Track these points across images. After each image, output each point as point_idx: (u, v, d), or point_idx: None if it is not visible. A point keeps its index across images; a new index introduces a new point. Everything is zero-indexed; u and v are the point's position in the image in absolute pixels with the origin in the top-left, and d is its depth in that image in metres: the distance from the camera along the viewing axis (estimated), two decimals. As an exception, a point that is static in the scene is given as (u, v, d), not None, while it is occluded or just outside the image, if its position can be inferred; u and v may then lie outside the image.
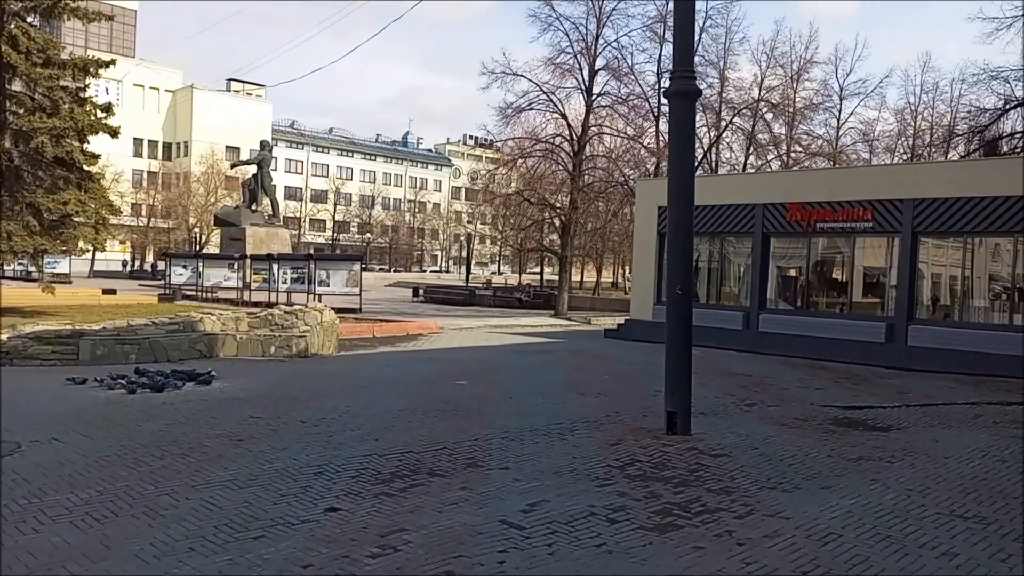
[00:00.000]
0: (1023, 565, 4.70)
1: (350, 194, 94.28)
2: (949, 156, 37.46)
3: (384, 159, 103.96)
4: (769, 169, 37.61)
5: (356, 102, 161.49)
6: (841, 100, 43.90)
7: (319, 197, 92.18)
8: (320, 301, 21.22)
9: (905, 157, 43.76)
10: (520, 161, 33.85)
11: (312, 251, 49.43)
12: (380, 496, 5.74)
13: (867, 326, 16.56)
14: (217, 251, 39.85)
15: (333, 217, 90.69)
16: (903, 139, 45.81)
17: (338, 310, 18.40)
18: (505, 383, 11.94)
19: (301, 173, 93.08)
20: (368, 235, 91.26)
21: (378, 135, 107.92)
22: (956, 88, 42.71)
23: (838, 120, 43.85)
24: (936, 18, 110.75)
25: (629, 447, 7.52)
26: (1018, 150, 30.92)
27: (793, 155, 40.46)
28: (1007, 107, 32.04)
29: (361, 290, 26.56)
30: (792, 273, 19.08)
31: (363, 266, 30.74)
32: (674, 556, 4.68)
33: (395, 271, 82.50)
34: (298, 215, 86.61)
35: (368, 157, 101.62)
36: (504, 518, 5.28)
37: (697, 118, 36.13)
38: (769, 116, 39.89)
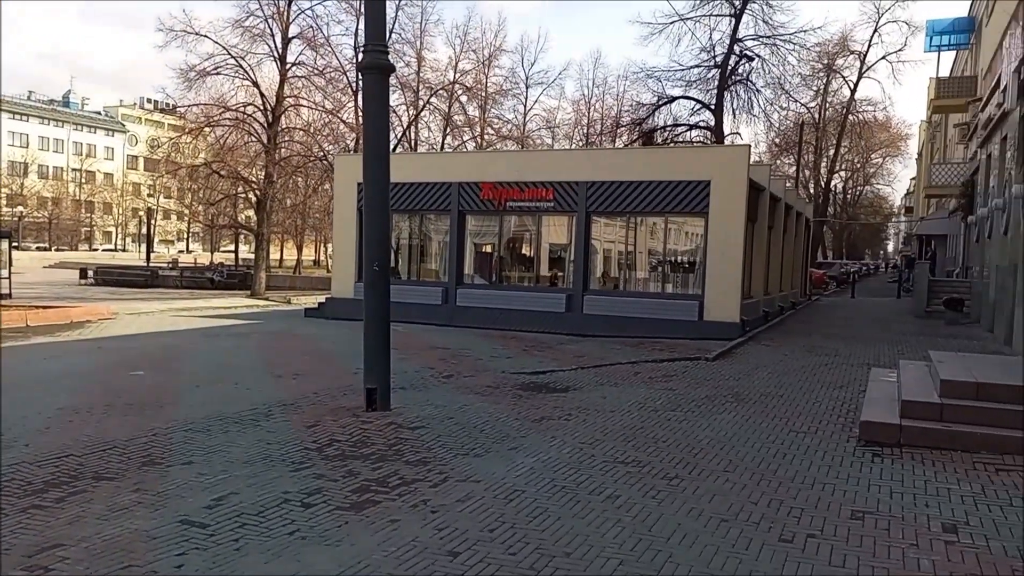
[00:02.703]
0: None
1: (-5, 159, 79.87)
2: (616, 144, 42.36)
3: (40, 120, 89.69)
4: (465, 149, 39.26)
5: None
6: (527, 88, 47.74)
7: (-49, 162, 76.82)
8: (-47, 286, 17.69)
9: (581, 143, 48.62)
10: (208, 130, 31.33)
11: (-57, 226, 41.09)
12: (29, 510, 4.93)
13: (551, 297, 18.10)
14: None
15: (-28, 186, 76.17)
16: (579, 127, 50.94)
17: (-22, 296, 15.50)
18: (192, 370, 10.99)
19: (-75, 132, 76.73)
20: (20, 208, 78.09)
21: (31, 92, 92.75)
22: (621, 84, 48.62)
23: (525, 106, 47.58)
24: (605, 19, 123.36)
25: (327, 427, 7.37)
26: (668, 140, 36.03)
27: (486, 137, 42.79)
28: (659, 103, 37.28)
29: (10, 272, 22.71)
30: (487, 249, 20.11)
31: (13, 244, 26.30)
32: (370, 532, 4.67)
33: (57, 250, 71.98)
34: (-78, 183, 71.43)
35: (19, 117, 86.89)
36: (185, 517, 4.84)
37: (396, 96, 36.76)
38: (464, 99, 41.74)
